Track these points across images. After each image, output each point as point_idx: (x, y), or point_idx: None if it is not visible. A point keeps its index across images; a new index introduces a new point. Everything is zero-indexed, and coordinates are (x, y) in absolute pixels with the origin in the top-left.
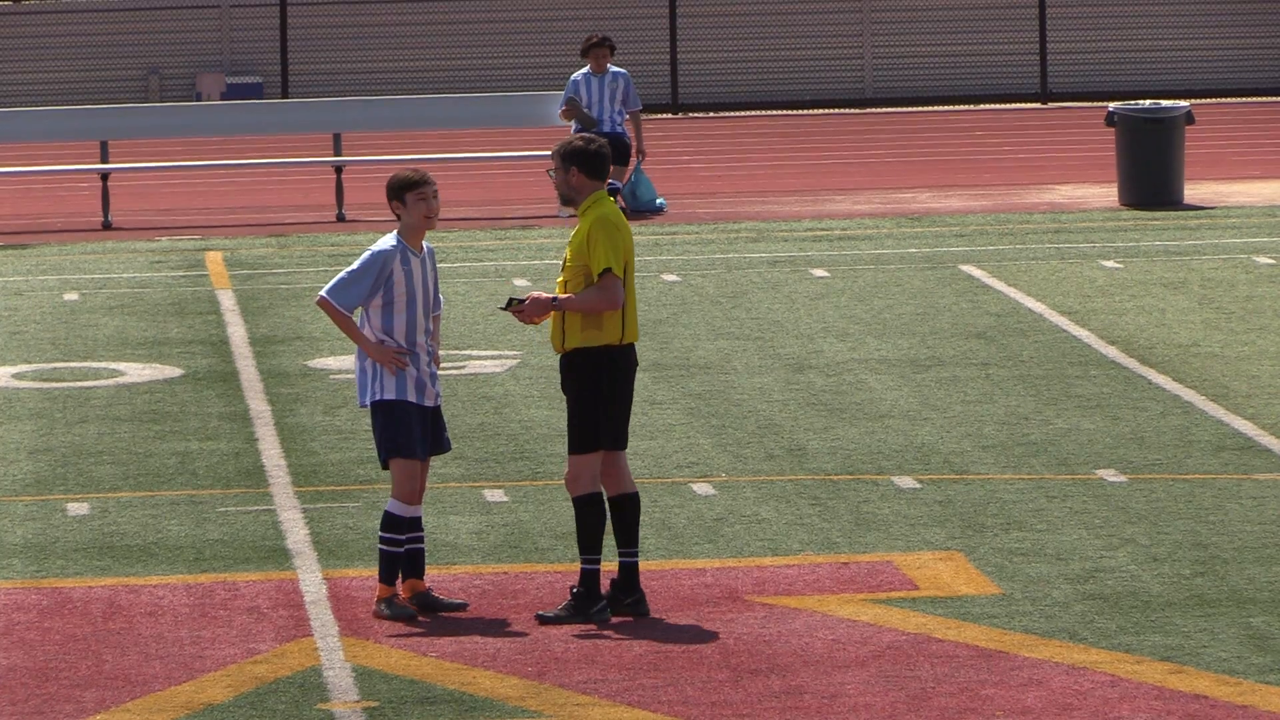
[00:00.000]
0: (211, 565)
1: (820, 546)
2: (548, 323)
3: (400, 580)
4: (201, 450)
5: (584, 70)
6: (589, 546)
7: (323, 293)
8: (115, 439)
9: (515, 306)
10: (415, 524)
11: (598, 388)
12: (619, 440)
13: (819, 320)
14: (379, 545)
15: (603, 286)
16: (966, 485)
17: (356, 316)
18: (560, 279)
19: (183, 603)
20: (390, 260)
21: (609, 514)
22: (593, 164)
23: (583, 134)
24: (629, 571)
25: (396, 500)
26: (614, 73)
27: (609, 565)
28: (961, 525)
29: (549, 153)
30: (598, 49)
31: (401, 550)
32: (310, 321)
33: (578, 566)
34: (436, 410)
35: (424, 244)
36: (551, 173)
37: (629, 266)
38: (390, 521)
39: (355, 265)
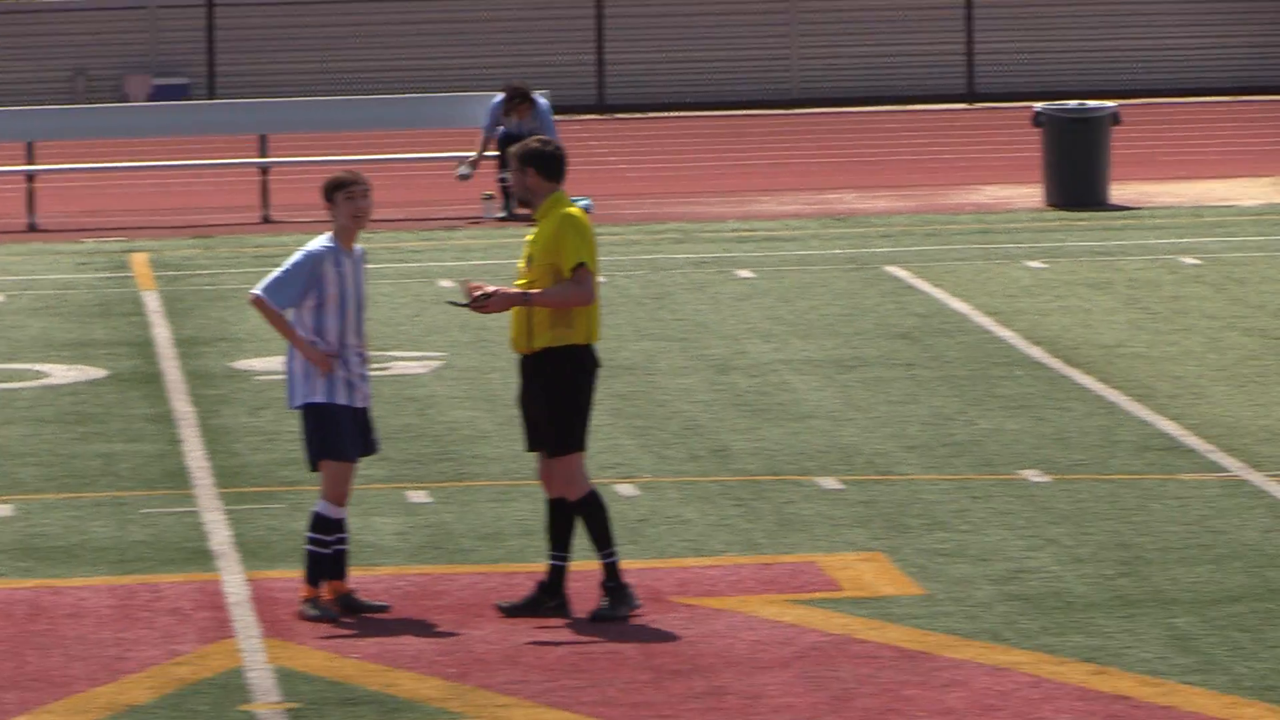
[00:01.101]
0: (134, 567)
1: (743, 547)
2: (504, 320)
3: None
4: (125, 452)
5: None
6: (603, 541)
7: (256, 290)
8: (39, 440)
9: (478, 302)
10: (340, 525)
11: (574, 387)
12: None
13: (744, 321)
14: (307, 546)
15: (577, 280)
16: (890, 486)
17: (289, 315)
18: (521, 281)
19: (105, 604)
20: (322, 261)
21: (547, 515)
22: (549, 165)
23: (539, 136)
24: (558, 574)
25: (326, 502)
26: (535, 102)
27: (541, 566)
28: (884, 526)
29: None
30: (517, 106)
31: (329, 551)
32: (235, 323)
33: (500, 568)
34: (365, 411)
35: (355, 245)
36: (505, 175)
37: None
38: (320, 523)
39: (288, 264)
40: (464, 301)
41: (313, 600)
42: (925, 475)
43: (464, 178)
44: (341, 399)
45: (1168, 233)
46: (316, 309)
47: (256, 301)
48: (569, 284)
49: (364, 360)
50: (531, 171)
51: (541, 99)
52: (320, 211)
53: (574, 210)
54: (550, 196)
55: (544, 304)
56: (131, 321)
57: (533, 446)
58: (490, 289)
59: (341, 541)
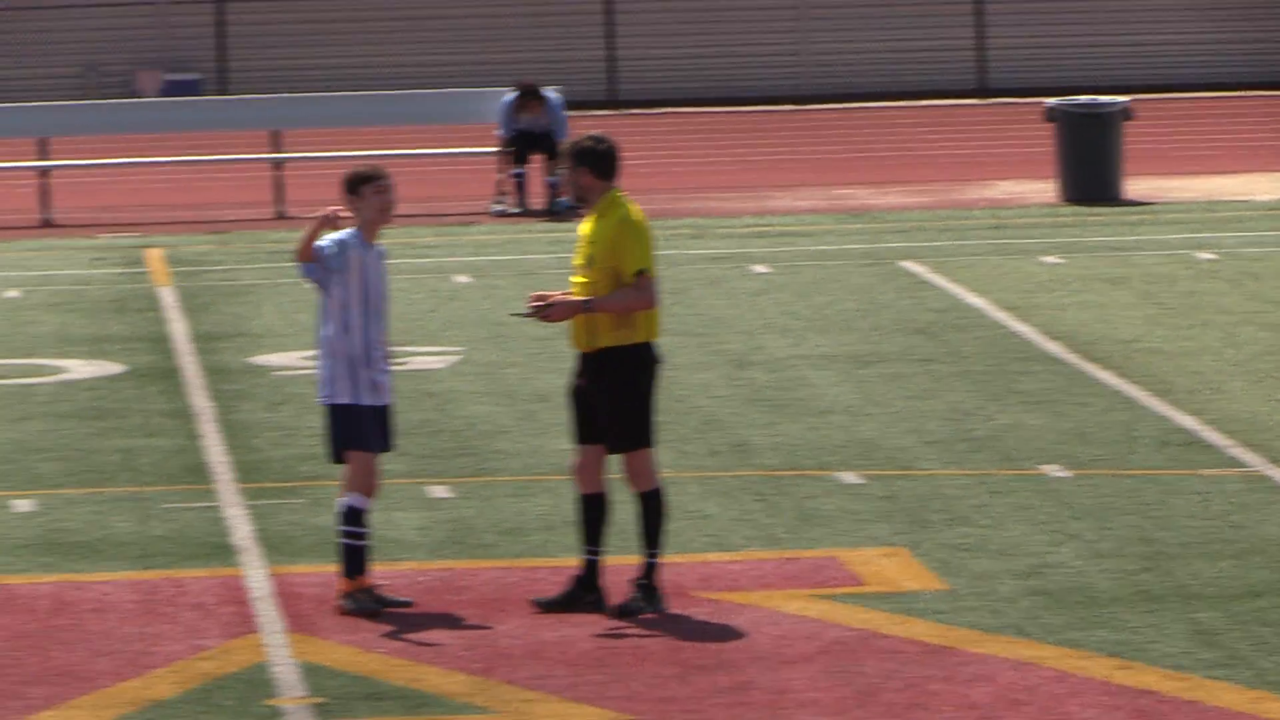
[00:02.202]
0: (157, 562)
1: (765, 542)
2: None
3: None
4: (145, 447)
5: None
6: (653, 539)
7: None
8: (59, 436)
9: (541, 311)
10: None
11: (637, 384)
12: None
13: (760, 316)
14: (341, 540)
15: (640, 287)
16: (911, 481)
17: (318, 311)
18: (579, 279)
19: (129, 599)
20: (350, 246)
21: (581, 510)
22: (603, 163)
23: (591, 134)
24: (592, 569)
25: (356, 494)
26: (546, 97)
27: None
28: (906, 521)
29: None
30: (529, 101)
31: (365, 543)
32: (252, 318)
33: (522, 562)
34: (386, 409)
35: (377, 243)
36: (558, 172)
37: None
38: (352, 515)
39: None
40: (526, 312)
41: (351, 594)
42: (945, 470)
43: (502, 213)
44: (366, 400)
45: (1182, 228)
46: (343, 309)
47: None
48: (630, 290)
49: (386, 357)
50: (585, 170)
51: (552, 94)
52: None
53: (633, 211)
54: (606, 195)
55: (607, 310)
56: (148, 317)
57: (584, 439)
58: (552, 298)
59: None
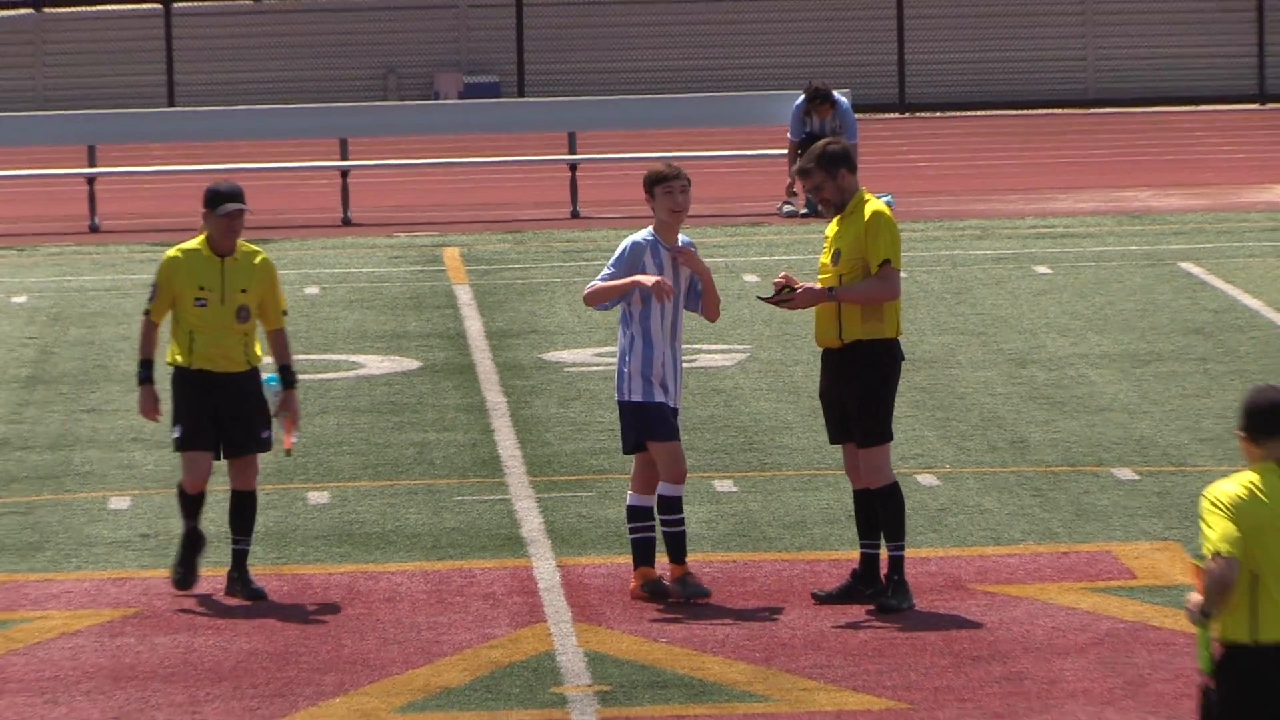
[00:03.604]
0: (448, 553)
1: (1041, 536)
2: (807, 314)
3: (633, 569)
4: (439, 441)
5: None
6: (895, 533)
7: (586, 291)
8: (354, 430)
9: (785, 296)
10: (649, 513)
11: (884, 379)
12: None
13: (1041, 316)
14: (663, 530)
15: (883, 277)
16: (1184, 477)
17: (618, 311)
18: (825, 276)
19: (420, 589)
20: (643, 251)
21: (856, 504)
22: (854, 162)
23: (827, 139)
24: (870, 563)
25: (667, 483)
26: (835, 99)
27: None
28: (1179, 516)
29: (781, 152)
30: (817, 106)
31: (682, 529)
32: (545, 316)
33: (805, 555)
34: (674, 412)
35: (681, 237)
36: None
37: None
38: (669, 504)
39: (612, 258)
40: (771, 295)
41: (682, 579)
42: (1219, 467)
43: (791, 214)
44: (658, 398)
45: None
46: (644, 304)
47: (588, 298)
48: (874, 280)
49: (677, 360)
50: (844, 172)
51: (842, 98)
52: (627, 206)
53: (882, 206)
54: (856, 193)
55: (850, 300)
56: (444, 314)
57: (838, 438)
58: (798, 285)
59: (649, 529)
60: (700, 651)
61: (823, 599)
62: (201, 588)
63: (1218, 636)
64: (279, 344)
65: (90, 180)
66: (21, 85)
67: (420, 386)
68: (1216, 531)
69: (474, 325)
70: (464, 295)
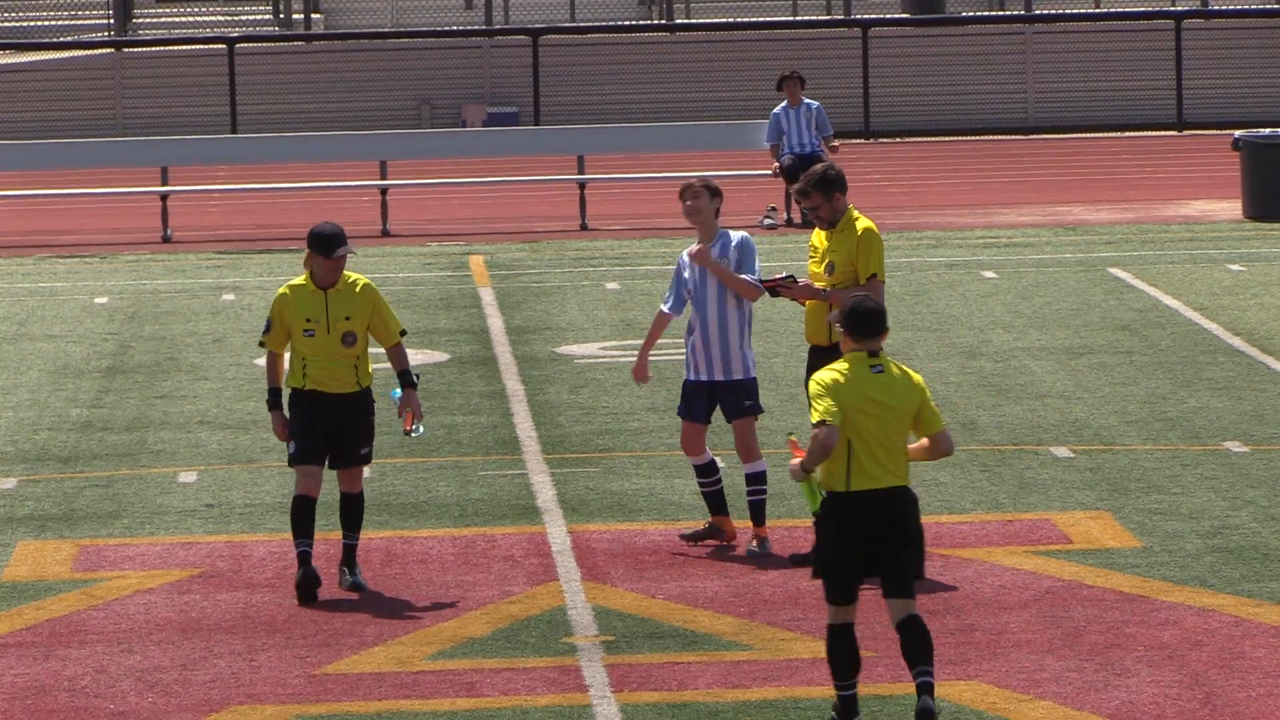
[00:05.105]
0: (473, 520)
1: (989, 507)
2: (794, 313)
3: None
4: (465, 423)
5: (782, 104)
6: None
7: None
8: (390, 413)
9: (787, 283)
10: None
11: None
12: None
13: (988, 315)
14: (749, 498)
15: (871, 289)
16: (1114, 455)
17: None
18: (819, 284)
19: (449, 552)
20: (681, 259)
21: None
22: (845, 185)
23: (823, 163)
24: None
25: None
26: (807, 104)
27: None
28: (1109, 489)
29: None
30: (789, 81)
31: (764, 497)
32: (557, 314)
33: (784, 523)
34: (723, 384)
35: (729, 233)
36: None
37: None
38: (755, 476)
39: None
40: (776, 278)
41: (763, 540)
42: (1143, 446)
43: (771, 227)
44: (691, 376)
45: None
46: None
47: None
48: (865, 290)
49: (726, 343)
50: (838, 194)
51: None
52: (630, 220)
53: (871, 224)
54: (847, 211)
55: (839, 303)
56: (470, 313)
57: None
58: (800, 280)
59: (719, 483)
60: (692, 606)
61: (799, 561)
62: (258, 552)
63: (823, 486)
64: (396, 355)
65: (163, 197)
66: (103, 115)
67: (449, 376)
68: (821, 406)
69: (496, 323)
70: (487, 297)
